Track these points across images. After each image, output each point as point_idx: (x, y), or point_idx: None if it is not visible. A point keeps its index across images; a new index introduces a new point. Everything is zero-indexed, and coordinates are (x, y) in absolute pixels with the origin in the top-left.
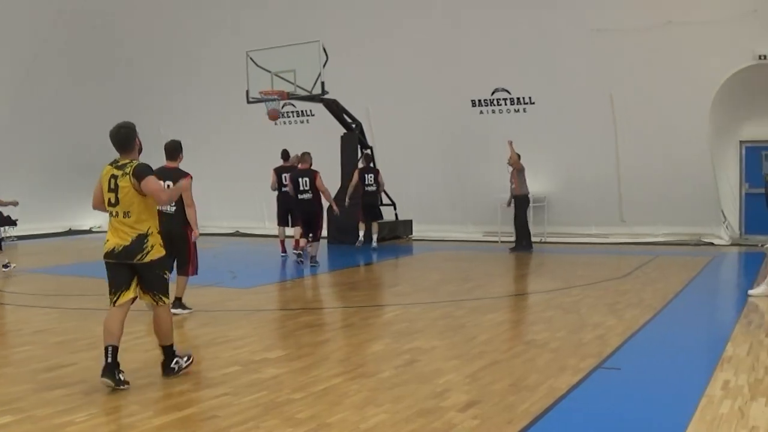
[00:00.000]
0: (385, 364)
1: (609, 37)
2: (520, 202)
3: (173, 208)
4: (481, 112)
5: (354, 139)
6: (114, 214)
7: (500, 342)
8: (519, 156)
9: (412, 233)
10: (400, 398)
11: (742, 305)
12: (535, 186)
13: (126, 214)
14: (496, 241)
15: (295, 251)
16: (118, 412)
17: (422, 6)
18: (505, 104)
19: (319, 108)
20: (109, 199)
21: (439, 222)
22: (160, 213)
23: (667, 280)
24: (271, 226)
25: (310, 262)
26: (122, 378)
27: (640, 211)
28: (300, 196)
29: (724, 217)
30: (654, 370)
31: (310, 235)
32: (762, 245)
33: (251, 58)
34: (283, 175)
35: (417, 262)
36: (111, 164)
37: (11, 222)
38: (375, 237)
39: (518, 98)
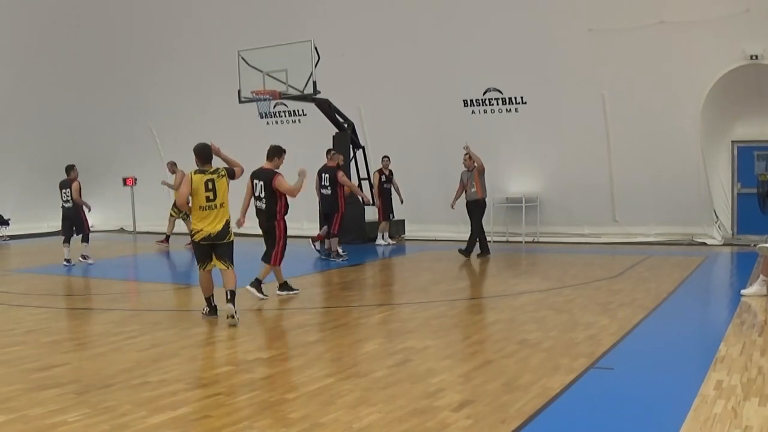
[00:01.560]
0: (378, 364)
1: (601, 37)
2: (481, 205)
3: (264, 205)
4: (473, 112)
5: (346, 138)
6: (212, 207)
7: (493, 342)
8: None
9: (404, 233)
10: (394, 398)
11: (735, 305)
12: (527, 186)
13: (221, 206)
14: (489, 241)
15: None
16: (111, 412)
17: (414, 6)
18: (497, 104)
19: (311, 108)
20: (207, 197)
21: (431, 222)
22: (256, 210)
23: (659, 280)
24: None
25: (331, 257)
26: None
27: (633, 210)
28: (322, 191)
29: (717, 217)
30: (647, 369)
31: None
32: (755, 245)
33: (243, 58)
34: (323, 175)
35: (409, 262)
36: (199, 172)
37: (3, 221)
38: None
39: (510, 98)
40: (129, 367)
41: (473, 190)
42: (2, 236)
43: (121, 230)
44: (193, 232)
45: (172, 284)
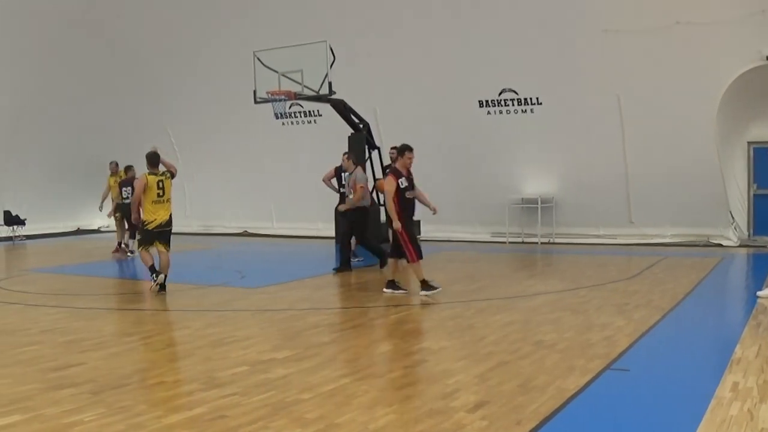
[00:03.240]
0: (394, 365)
1: (617, 38)
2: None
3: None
4: (489, 113)
5: (361, 139)
6: (162, 201)
7: (509, 343)
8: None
9: (420, 233)
10: (409, 399)
11: (751, 307)
12: (542, 187)
13: (168, 200)
14: (504, 242)
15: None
16: (126, 411)
17: (429, 6)
18: (513, 105)
19: (326, 108)
20: (158, 193)
21: (446, 222)
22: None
23: (675, 281)
24: (279, 226)
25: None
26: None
27: (648, 212)
28: (342, 191)
29: (733, 218)
30: (663, 371)
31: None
32: None
33: (258, 58)
34: (343, 175)
35: (425, 263)
36: (152, 174)
37: (19, 221)
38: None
39: (525, 99)
40: (144, 367)
41: (351, 197)
42: (18, 236)
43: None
44: (146, 222)
45: (188, 284)
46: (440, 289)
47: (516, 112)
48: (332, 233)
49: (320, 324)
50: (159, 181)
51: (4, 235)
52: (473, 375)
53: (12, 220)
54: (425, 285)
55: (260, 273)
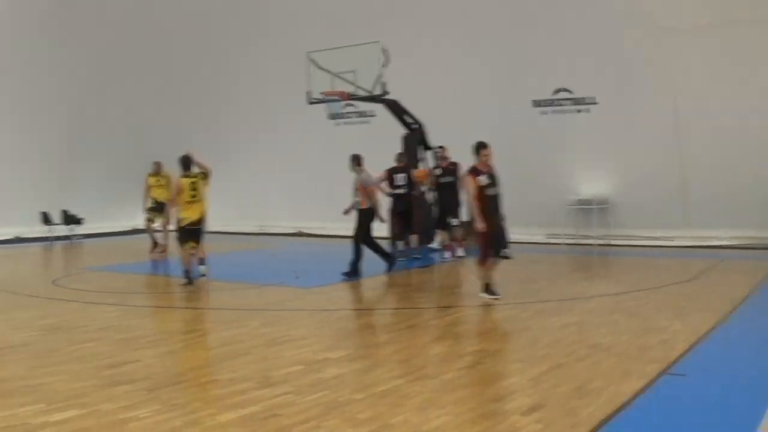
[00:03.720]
0: (448, 366)
1: (674, 36)
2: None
3: None
4: (543, 113)
5: (415, 139)
6: (194, 201)
7: (564, 345)
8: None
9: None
10: (463, 400)
11: None
12: (598, 188)
13: (200, 201)
14: (559, 244)
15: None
16: (181, 409)
17: (484, 5)
18: (567, 104)
19: (380, 108)
20: (192, 194)
21: None
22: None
23: (734, 285)
24: (333, 227)
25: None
26: None
27: (706, 213)
28: (395, 191)
29: None
30: (721, 377)
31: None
32: None
33: (312, 59)
34: (395, 176)
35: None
36: (185, 176)
37: (77, 220)
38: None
39: (580, 98)
40: (199, 364)
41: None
42: (76, 235)
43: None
44: (180, 220)
45: (243, 284)
46: (499, 296)
47: (571, 111)
48: (385, 234)
49: (374, 324)
50: (192, 182)
51: (62, 234)
52: (528, 378)
53: (70, 219)
54: (487, 288)
55: (315, 273)
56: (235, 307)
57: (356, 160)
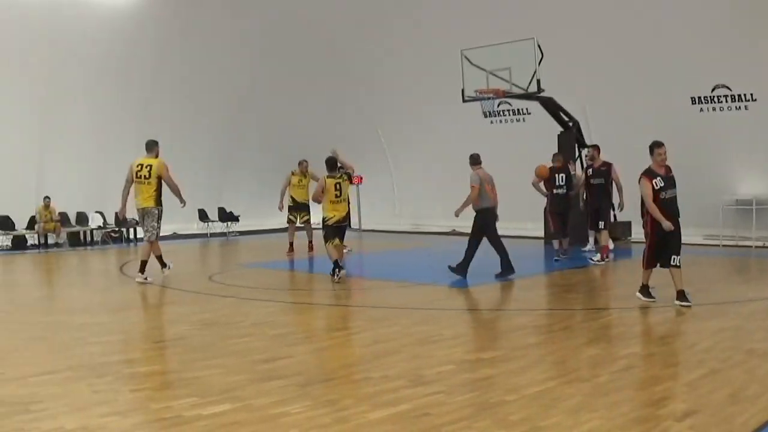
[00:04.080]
0: (601, 369)
1: None
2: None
3: None
4: (701, 110)
5: (571, 137)
6: (340, 201)
7: (720, 350)
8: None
9: (630, 235)
10: (616, 404)
11: None
12: (758, 187)
13: (345, 200)
14: (717, 245)
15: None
16: (332, 405)
17: (640, 1)
18: (726, 101)
19: (535, 106)
20: (336, 194)
21: None
22: None
23: None
24: None
25: (561, 255)
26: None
27: None
28: (555, 191)
29: None
30: None
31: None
32: None
33: (466, 57)
34: (556, 175)
35: (635, 265)
36: (330, 177)
37: (233, 218)
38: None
39: (739, 95)
40: (351, 362)
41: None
42: (232, 231)
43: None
44: (326, 218)
45: (397, 282)
46: (655, 300)
47: (729, 108)
48: (541, 233)
49: (527, 325)
50: (336, 183)
51: (218, 230)
52: (682, 383)
53: (226, 216)
54: (644, 290)
55: (468, 272)
56: (388, 305)
57: (473, 159)
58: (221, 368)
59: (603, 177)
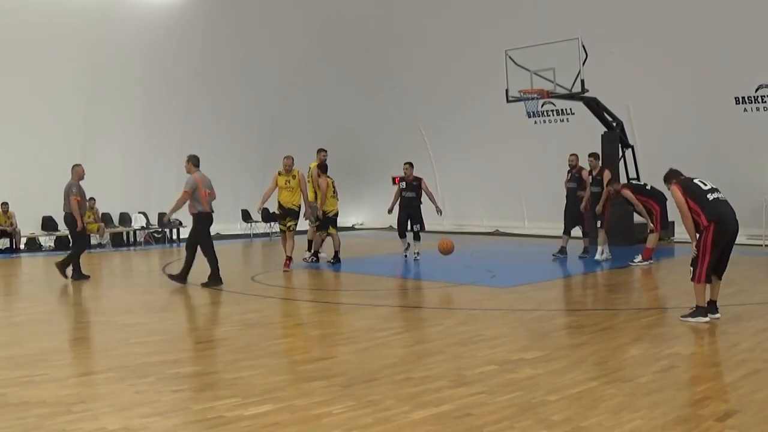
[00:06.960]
0: (643, 369)
1: None
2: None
3: None
4: (745, 110)
5: (615, 138)
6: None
7: (762, 350)
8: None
9: (673, 235)
10: (657, 404)
11: None
12: None
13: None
14: (760, 245)
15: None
16: (374, 406)
17: (683, 1)
18: None
19: (578, 106)
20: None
21: None
22: None
23: None
24: (530, 226)
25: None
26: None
27: None
28: (592, 190)
29: None
30: None
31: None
32: None
33: (510, 57)
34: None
35: (678, 265)
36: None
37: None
38: (599, 248)
39: None
40: (393, 362)
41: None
42: (274, 232)
43: (390, 228)
44: (328, 211)
45: (439, 282)
46: (708, 320)
47: None
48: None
49: (570, 325)
50: (332, 181)
51: (261, 231)
52: (724, 383)
53: (269, 217)
54: (701, 309)
55: (510, 272)
56: (431, 305)
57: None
58: (263, 369)
59: (600, 186)
